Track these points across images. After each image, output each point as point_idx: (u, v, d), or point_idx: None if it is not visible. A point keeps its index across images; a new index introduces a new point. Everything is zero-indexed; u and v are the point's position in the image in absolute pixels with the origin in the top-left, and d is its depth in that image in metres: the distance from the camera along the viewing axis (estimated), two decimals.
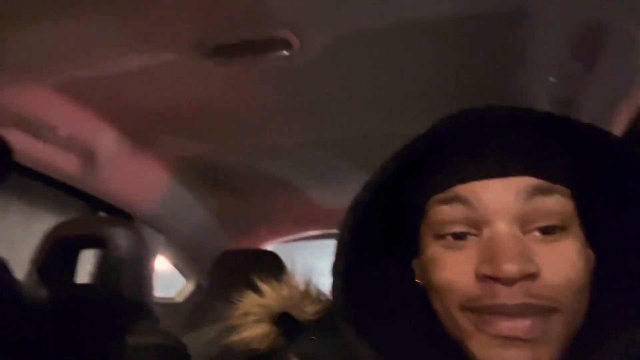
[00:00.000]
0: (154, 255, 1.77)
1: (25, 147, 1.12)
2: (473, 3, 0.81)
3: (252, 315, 0.53)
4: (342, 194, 1.61)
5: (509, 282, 0.38)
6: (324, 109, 1.14)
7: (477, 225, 0.42)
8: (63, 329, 0.78)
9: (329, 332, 0.49)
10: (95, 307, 0.92)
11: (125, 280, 0.95)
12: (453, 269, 0.42)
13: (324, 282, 0.51)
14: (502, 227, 0.41)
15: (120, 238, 0.99)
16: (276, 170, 1.55)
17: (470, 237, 0.42)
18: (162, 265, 1.91)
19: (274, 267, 1.57)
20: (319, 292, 0.56)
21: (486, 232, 0.41)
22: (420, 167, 0.47)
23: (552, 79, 0.89)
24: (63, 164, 1.23)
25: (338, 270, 0.47)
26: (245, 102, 1.15)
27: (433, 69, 0.99)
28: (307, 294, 0.55)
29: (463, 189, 0.43)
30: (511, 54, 0.90)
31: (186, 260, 1.99)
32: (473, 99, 1.03)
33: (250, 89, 1.09)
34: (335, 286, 0.47)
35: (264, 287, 0.56)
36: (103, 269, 0.97)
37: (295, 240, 2.02)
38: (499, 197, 0.41)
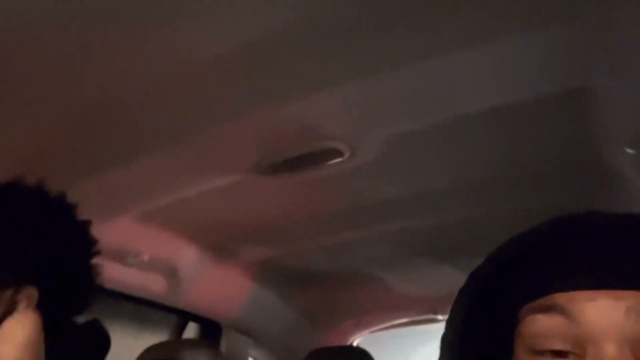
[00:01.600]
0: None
1: (114, 273, 1.21)
2: (525, 88, 0.77)
3: None
4: (421, 281, 1.56)
5: None
6: (387, 204, 1.12)
7: (580, 343, 0.36)
8: None
9: None
10: None
11: None
12: None
13: None
14: (613, 351, 0.35)
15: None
16: (354, 264, 1.53)
17: (572, 356, 0.37)
18: None
19: None
20: None
21: (592, 353, 0.36)
22: (513, 272, 0.43)
23: (628, 150, 0.81)
24: (150, 284, 1.31)
25: None
26: (310, 208, 1.17)
27: (494, 156, 0.94)
28: None
29: (564, 298, 0.38)
30: (579, 132, 0.84)
31: None
32: (542, 184, 0.96)
33: (311, 195, 1.11)
34: None
35: None
36: None
37: (381, 329, 1.94)
38: (607, 312, 0.36)
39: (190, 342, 1.28)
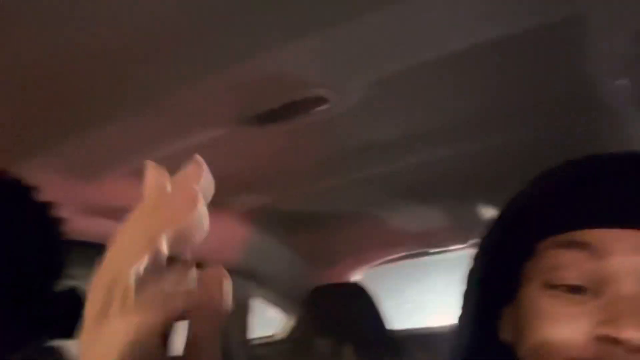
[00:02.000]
0: (246, 303, 1.86)
1: (112, 230, 1.22)
2: (513, 20, 0.74)
3: None
4: (414, 218, 1.59)
5: (632, 348, 0.33)
6: (375, 146, 1.12)
7: (598, 280, 0.37)
8: None
9: None
10: None
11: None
12: (565, 324, 0.37)
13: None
14: (631, 287, 0.36)
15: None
16: (348, 206, 1.55)
17: (588, 293, 0.38)
18: (259, 307, 1.99)
19: (360, 298, 1.57)
20: None
21: (610, 289, 0.37)
22: (538, 205, 0.44)
23: (620, 80, 0.79)
24: None
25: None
26: (299, 155, 1.16)
27: (483, 92, 0.92)
28: None
29: (591, 235, 0.38)
30: (571, 63, 0.81)
31: (280, 299, 2.05)
32: (533, 119, 0.95)
33: (299, 143, 1.10)
34: None
35: None
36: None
37: (382, 264, 2.00)
38: (633, 252, 0.37)
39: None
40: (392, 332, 1.65)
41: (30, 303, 0.58)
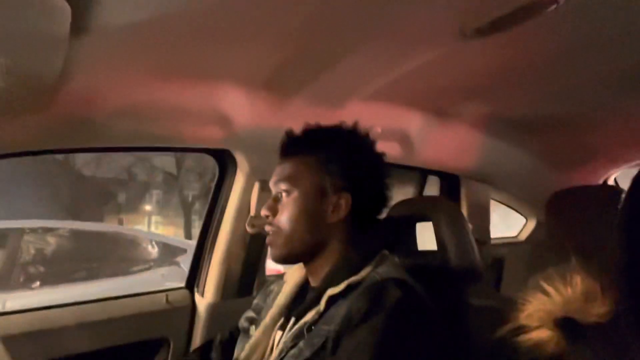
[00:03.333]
0: (485, 206, 1.90)
1: None
2: None
3: (535, 320, 0.58)
4: None
5: None
6: (611, 40, 0.97)
7: None
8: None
9: (613, 339, 0.50)
10: (436, 271, 1.12)
11: (449, 249, 1.11)
12: None
13: None
14: None
15: (441, 214, 1.15)
16: (592, 103, 1.38)
17: None
18: (496, 210, 2.02)
19: (614, 201, 1.43)
20: (607, 292, 0.56)
21: None
22: None
23: None
24: (387, 150, 1.50)
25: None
26: (525, 60, 1.10)
27: None
28: (593, 295, 0.56)
29: None
30: None
31: (522, 202, 2.03)
32: None
33: (525, 48, 1.04)
34: (629, 282, 0.48)
35: (549, 289, 0.59)
36: (436, 239, 1.17)
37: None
38: None
39: (431, 199, 1.46)
40: None
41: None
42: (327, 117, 1.32)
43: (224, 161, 1.38)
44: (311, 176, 0.89)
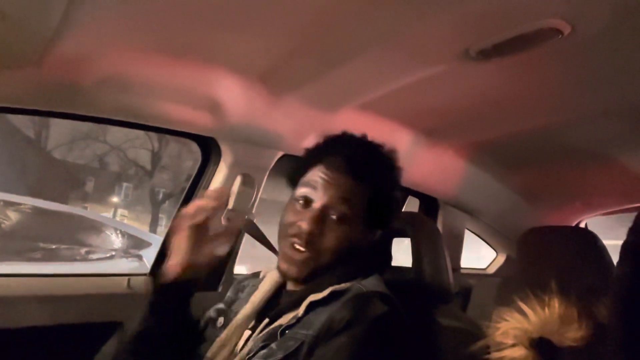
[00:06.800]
0: (459, 234, 1.91)
1: None
2: None
3: (511, 338, 0.57)
4: None
5: None
6: (613, 79, 1.00)
7: None
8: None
9: None
10: (411, 288, 1.11)
11: (424, 267, 1.10)
12: None
13: None
14: None
15: (419, 231, 1.15)
16: (578, 143, 1.42)
17: None
18: (471, 240, 2.03)
19: (586, 244, 1.45)
20: (584, 316, 0.56)
21: None
22: None
23: None
24: None
25: (620, 292, 0.47)
26: (524, 89, 1.12)
27: None
28: (570, 319, 0.56)
29: None
30: None
31: (495, 235, 2.05)
32: None
33: (525, 77, 1.06)
34: (616, 310, 0.47)
35: (526, 309, 0.59)
36: (412, 256, 1.16)
37: (618, 212, 1.78)
38: None
39: (410, 215, 1.45)
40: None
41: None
42: (320, 121, 1.33)
43: (209, 150, 1.35)
44: (363, 207, 0.85)
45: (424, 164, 1.60)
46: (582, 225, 2.03)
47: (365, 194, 0.86)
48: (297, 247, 0.82)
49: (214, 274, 1.37)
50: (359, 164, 0.86)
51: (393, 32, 0.95)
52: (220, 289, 1.36)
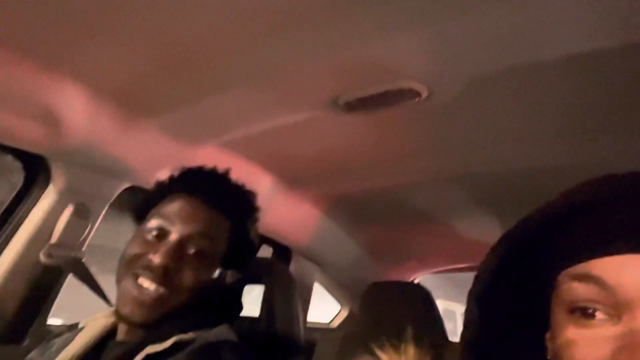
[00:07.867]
0: (309, 285, 1.91)
1: None
2: (612, 34, 0.71)
3: None
4: (490, 228, 1.55)
5: None
6: (460, 146, 1.11)
7: (616, 309, 0.38)
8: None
9: None
10: (262, 338, 1.03)
11: (277, 317, 1.05)
12: (586, 349, 0.38)
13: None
14: None
15: (273, 278, 1.10)
16: (420, 206, 1.54)
17: (604, 316, 0.38)
18: (320, 293, 2.04)
19: (420, 299, 1.56)
20: None
21: (625, 319, 0.37)
22: (551, 235, 0.44)
23: None
24: None
25: (467, 341, 0.46)
26: (382, 146, 1.19)
27: (576, 103, 0.89)
28: None
29: (597, 266, 0.38)
30: None
31: (340, 289, 2.10)
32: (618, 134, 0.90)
33: (385, 134, 1.12)
34: (468, 353, 0.47)
35: (382, 356, 0.57)
36: (263, 304, 1.10)
37: (445, 271, 1.98)
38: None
39: (265, 261, 1.40)
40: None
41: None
42: (177, 154, 1.22)
43: (35, 170, 1.13)
44: (224, 244, 0.79)
45: (281, 211, 1.58)
46: (416, 281, 2.20)
47: (226, 230, 0.79)
48: (145, 284, 0.71)
49: (19, 322, 1.11)
50: (223, 198, 0.80)
51: (265, 71, 0.93)
52: (26, 342, 1.11)
